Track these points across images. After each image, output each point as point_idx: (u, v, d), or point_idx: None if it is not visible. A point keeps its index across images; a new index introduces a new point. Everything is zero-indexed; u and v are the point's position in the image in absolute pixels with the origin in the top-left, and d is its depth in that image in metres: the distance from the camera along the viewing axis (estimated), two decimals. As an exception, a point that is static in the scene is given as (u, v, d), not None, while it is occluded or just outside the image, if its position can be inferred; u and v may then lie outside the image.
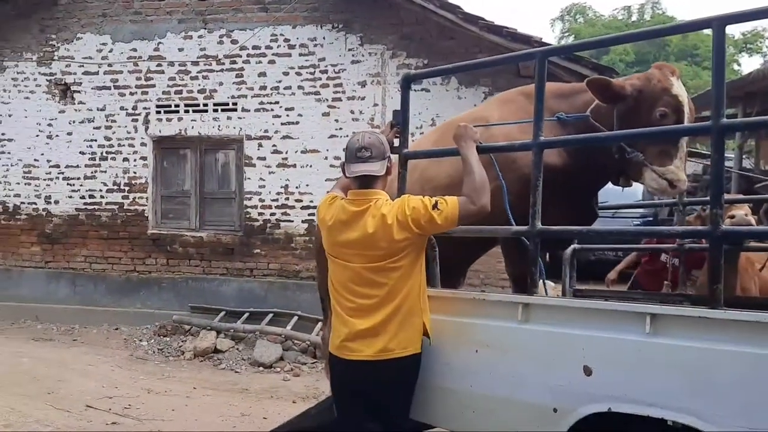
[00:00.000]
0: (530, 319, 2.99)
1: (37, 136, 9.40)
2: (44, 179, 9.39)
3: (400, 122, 3.57)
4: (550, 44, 7.91)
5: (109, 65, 9.10)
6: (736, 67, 34.35)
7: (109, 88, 9.11)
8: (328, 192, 3.35)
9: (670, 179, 3.10)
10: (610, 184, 3.70)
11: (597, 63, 7.50)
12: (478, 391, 3.12)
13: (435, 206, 2.80)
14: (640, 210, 11.12)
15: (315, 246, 4.36)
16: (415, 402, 3.40)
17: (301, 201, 8.50)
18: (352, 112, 8.34)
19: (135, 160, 9.06)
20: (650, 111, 3.10)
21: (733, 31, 32.59)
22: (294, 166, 8.51)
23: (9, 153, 9.55)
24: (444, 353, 3.28)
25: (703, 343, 2.42)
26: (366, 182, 2.94)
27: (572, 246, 5.03)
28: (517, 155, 3.39)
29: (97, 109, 9.15)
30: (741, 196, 5.74)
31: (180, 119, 8.88)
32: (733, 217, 4.07)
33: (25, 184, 9.48)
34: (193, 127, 8.83)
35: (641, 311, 2.61)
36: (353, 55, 8.34)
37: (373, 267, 2.88)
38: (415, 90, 8.21)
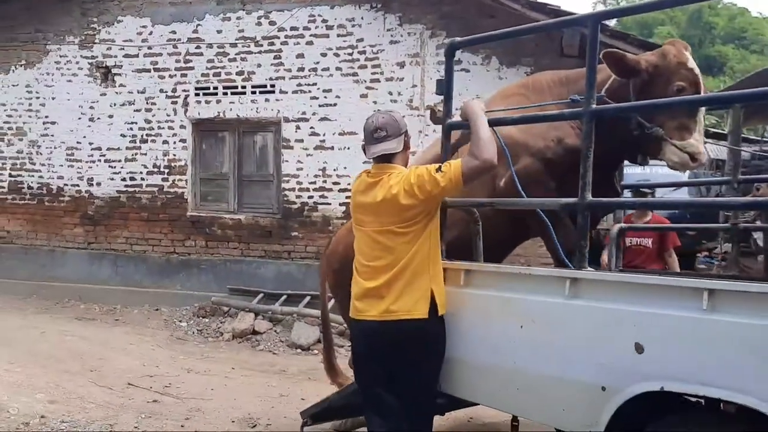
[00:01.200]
0: (578, 294, 2.89)
1: (80, 118, 9.52)
2: (86, 161, 9.52)
3: (445, 92, 3.47)
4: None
5: (149, 48, 9.15)
6: None
7: (148, 70, 9.17)
8: None
9: (690, 152, 3.13)
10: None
11: (644, 40, 7.24)
12: (523, 368, 3.04)
13: (438, 169, 2.90)
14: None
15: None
16: (454, 377, 3.35)
17: (339, 184, 8.44)
18: (390, 93, 8.23)
19: (174, 142, 9.11)
20: (667, 85, 3.12)
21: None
22: (331, 148, 8.45)
23: (52, 136, 9.70)
24: (486, 328, 3.21)
25: (764, 320, 2.29)
26: (385, 159, 3.09)
27: (618, 225, 4.89)
28: (529, 141, 3.45)
29: (138, 92, 9.23)
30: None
31: (218, 101, 8.89)
32: None
33: (68, 166, 9.62)
34: (231, 110, 8.84)
35: (698, 287, 2.48)
36: (392, 36, 8.23)
37: (383, 231, 3.02)
38: (454, 70, 8.08)
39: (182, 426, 4.98)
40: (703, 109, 3.25)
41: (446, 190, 2.94)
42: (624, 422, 2.74)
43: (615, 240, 4.74)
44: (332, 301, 7.42)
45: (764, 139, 17.72)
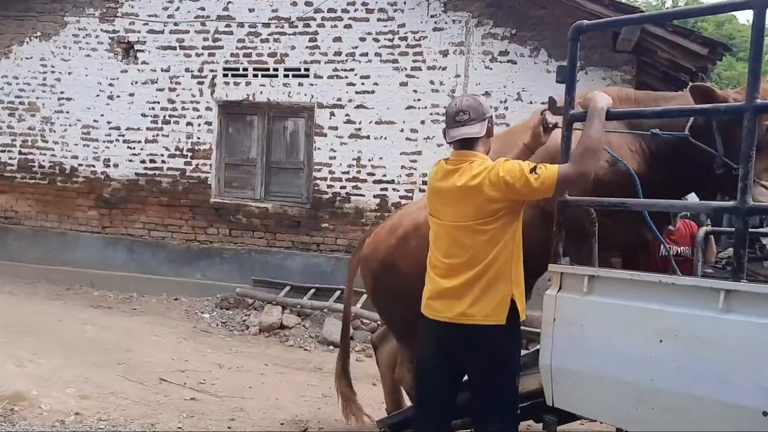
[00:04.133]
0: (735, 308, 2.60)
1: (98, 96, 9.08)
2: (103, 141, 9.08)
3: (567, 79, 3.16)
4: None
5: (175, 24, 8.72)
6: None
7: (174, 48, 8.74)
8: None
9: None
10: None
11: (708, 37, 6.95)
12: (662, 387, 2.75)
13: (533, 170, 2.72)
14: None
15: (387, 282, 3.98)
16: (572, 392, 3.07)
17: (374, 175, 8.08)
18: (432, 82, 7.89)
19: (199, 125, 8.70)
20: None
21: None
22: (367, 137, 8.09)
23: (68, 112, 9.24)
24: (614, 340, 2.91)
25: None
26: (466, 144, 2.93)
27: (704, 228, 4.61)
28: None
29: (161, 70, 8.80)
30: None
31: (248, 84, 8.48)
32: None
33: (84, 145, 9.17)
34: (261, 93, 8.44)
35: None
36: (435, 23, 7.88)
37: (462, 226, 2.85)
38: (500, 62, 7.79)
39: (229, 427, 4.70)
40: None
41: (538, 193, 2.76)
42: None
43: (701, 244, 4.47)
44: (360, 299, 7.19)
45: None
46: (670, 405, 2.74)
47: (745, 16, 29.80)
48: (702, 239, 4.53)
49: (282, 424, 4.83)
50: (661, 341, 2.77)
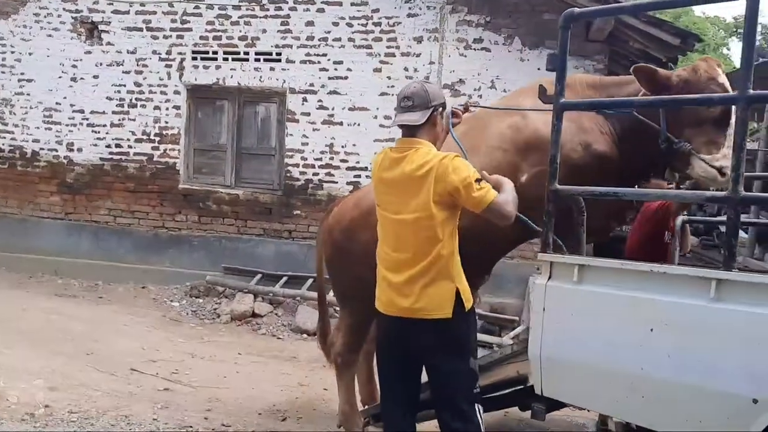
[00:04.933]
0: (726, 297, 2.62)
1: (60, 77, 8.78)
2: (66, 124, 8.79)
3: (558, 67, 3.14)
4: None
5: (142, 5, 8.46)
6: (725, 51, 33.83)
7: (141, 29, 8.49)
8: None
9: (719, 167, 3.09)
10: None
11: (680, 28, 7.03)
12: (652, 375, 2.78)
13: (478, 181, 2.77)
14: None
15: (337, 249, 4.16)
16: (561, 381, 3.08)
17: (347, 161, 7.99)
18: (406, 69, 7.81)
19: (167, 109, 8.48)
20: None
21: (725, 14, 32.18)
22: (341, 123, 7.99)
23: (28, 95, 8.92)
24: (604, 329, 2.93)
25: None
26: (410, 131, 2.93)
27: (681, 217, 4.67)
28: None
29: (127, 52, 8.54)
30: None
31: (218, 67, 8.29)
32: None
33: (46, 129, 8.87)
34: (232, 77, 8.26)
35: None
36: (410, 8, 7.80)
37: (406, 221, 2.86)
38: (474, 49, 7.76)
39: (205, 418, 4.58)
40: (733, 123, 3.03)
41: (466, 204, 2.81)
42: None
43: (679, 232, 4.53)
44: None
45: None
46: (660, 393, 2.76)
47: (701, 10, 30.47)
48: (679, 228, 4.59)
49: (260, 414, 4.76)
50: (652, 330, 2.78)
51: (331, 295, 6.97)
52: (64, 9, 8.75)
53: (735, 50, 34.72)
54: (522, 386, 3.65)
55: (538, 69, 7.53)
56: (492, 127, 3.70)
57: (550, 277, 3.11)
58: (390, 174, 2.92)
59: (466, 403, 2.90)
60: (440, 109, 2.97)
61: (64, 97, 8.78)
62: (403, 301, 2.87)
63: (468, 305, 2.92)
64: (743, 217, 7.06)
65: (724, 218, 9.16)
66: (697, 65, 3.29)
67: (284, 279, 7.80)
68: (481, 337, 6.85)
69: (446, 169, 2.76)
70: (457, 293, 2.87)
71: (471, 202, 2.77)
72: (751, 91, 2.49)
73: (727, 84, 3.18)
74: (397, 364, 3.02)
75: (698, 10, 27.52)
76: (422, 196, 2.80)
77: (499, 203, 2.76)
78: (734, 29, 35.44)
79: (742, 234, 10.66)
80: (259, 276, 7.91)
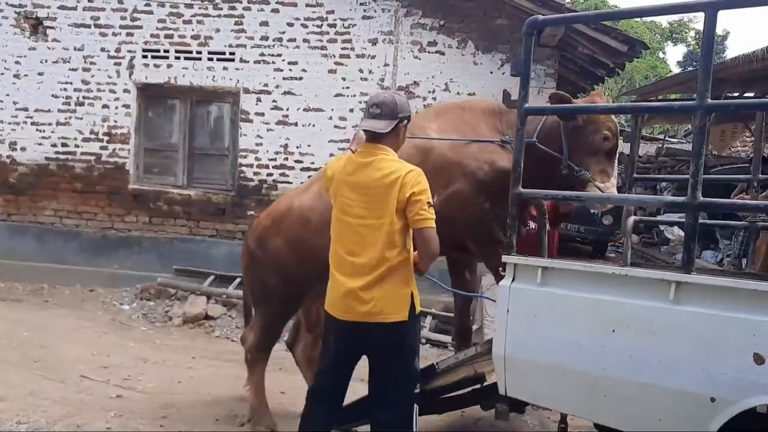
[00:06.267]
0: (684, 299, 2.72)
1: (2, 74, 8.44)
2: (9, 123, 8.46)
3: (521, 73, 3.20)
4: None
5: (89, 0, 8.22)
6: (661, 55, 34.94)
7: (88, 26, 8.24)
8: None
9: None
10: None
11: (628, 35, 7.22)
12: (613, 375, 2.86)
13: (430, 204, 2.93)
14: None
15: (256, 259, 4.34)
16: (524, 381, 3.14)
17: (302, 162, 7.95)
18: (360, 71, 7.82)
19: (116, 107, 8.26)
20: (595, 133, 3.55)
21: (661, 19, 33.38)
22: (295, 124, 7.93)
23: (-32, 92, 8.57)
24: (567, 330, 3.00)
25: None
26: (373, 137, 3.04)
27: (632, 217, 4.81)
28: (462, 162, 3.70)
29: (74, 49, 8.28)
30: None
31: (169, 66, 8.12)
32: None
33: (-14, 127, 8.54)
34: (184, 76, 8.10)
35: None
36: (365, 10, 7.80)
37: (368, 225, 2.97)
38: (428, 52, 7.82)
39: (161, 426, 4.50)
40: (617, 157, 3.71)
41: (409, 218, 2.94)
42: (732, 436, 2.61)
43: (629, 233, 4.65)
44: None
45: (666, 139, 18.77)
46: (622, 393, 2.84)
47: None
48: (630, 228, 4.71)
49: (217, 420, 4.68)
50: (613, 331, 2.86)
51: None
52: (6, 3, 8.43)
53: (670, 54, 35.81)
54: (479, 385, 3.72)
55: (491, 72, 7.68)
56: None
57: (513, 279, 3.16)
58: (355, 178, 3.02)
59: (407, 402, 3.08)
60: (405, 121, 3.09)
61: (7, 95, 8.46)
62: (362, 307, 2.97)
63: (418, 309, 3.08)
64: (676, 216, 7.35)
65: (663, 218, 9.42)
66: (596, 100, 3.77)
67: (238, 280, 7.68)
68: (436, 336, 6.92)
69: (411, 181, 2.91)
70: (411, 296, 3.03)
71: (413, 216, 2.91)
72: (709, 101, 2.59)
73: (614, 119, 3.72)
74: (348, 363, 3.16)
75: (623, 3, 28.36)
76: (388, 204, 2.93)
77: (434, 236, 2.93)
78: (669, 34, 36.68)
79: (679, 232, 11.06)
80: (212, 277, 7.78)
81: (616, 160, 3.66)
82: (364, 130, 3.08)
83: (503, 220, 3.37)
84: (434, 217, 2.94)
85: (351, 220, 3.02)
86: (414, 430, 3.10)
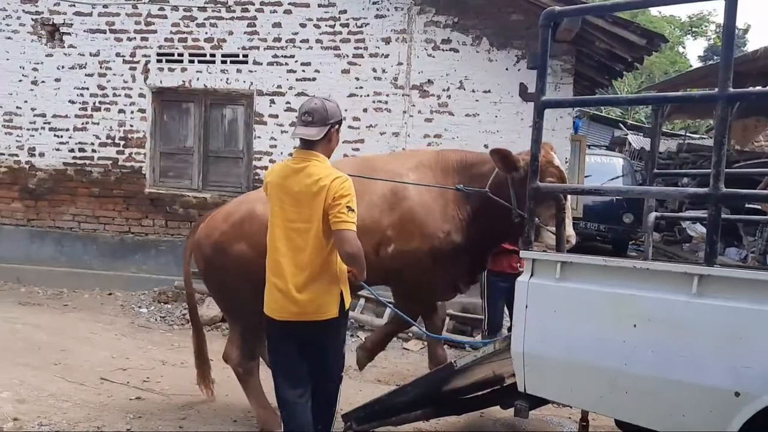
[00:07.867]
0: (708, 292, 2.66)
1: (20, 81, 8.55)
2: (28, 129, 8.57)
3: (538, 66, 3.16)
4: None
5: (105, 6, 8.30)
6: (681, 49, 34.61)
7: (104, 31, 8.32)
8: None
9: (567, 236, 3.68)
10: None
11: (646, 29, 7.12)
12: (635, 370, 2.81)
13: (350, 209, 3.07)
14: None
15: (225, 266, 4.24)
16: (543, 378, 3.10)
17: (317, 163, 7.93)
18: (374, 70, 7.80)
19: (132, 112, 8.32)
20: (541, 179, 3.53)
21: (680, 13, 33.07)
22: (309, 125, 7.92)
23: (-13, 99, 8.68)
24: (588, 326, 2.95)
25: None
26: (306, 144, 3.20)
27: (653, 213, 4.76)
28: (425, 224, 4.05)
29: (90, 55, 8.36)
30: None
31: (184, 70, 8.17)
32: None
33: (6, 133, 8.63)
34: (198, 79, 8.15)
35: None
36: (378, 9, 7.79)
37: (298, 228, 3.14)
38: (442, 50, 7.78)
39: (180, 427, 4.52)
40: (570, 199, 3.95)
41: (332, 216, 3.08)
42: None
43: (651, 229, 4.59)
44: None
45: (687, 134, 18.52)
46: (644, 389, 2.79)
47: (656, 9, 31.18)
48: (652, 224, 4.65)
49: (235, 421, 4.69)
50: (635, 326, 2.81)
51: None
52: (24, 11, 8.53)
53: (690, 48, 35.38)
54: (498, 386, 3.67)
55: (506, 69, 7.62)
56: (378, 184, 4.09)
57: (532, 275, 3.12)
58: (288, 183, 3.18)
59: (338, 379, 3.45)
60: (336, 126, 3.24)
61: (25, 101, 8.56)
62: (297, 307, 3.18)
63: (348, 305, 3.32)
64: (700, 213, 7.25)
65: (686, 214, 9.30)
66: (545, 149, 3.79)
67: (255, 283, 7.70)
68: (453, 336, 6.88)
69: (336, 187, 3.06)
70: (341, 294, 3.25)
71: (332, 219, 3.06)
72: (731, 89, 2.54)
73: (561, 166, 3.96)
74: (292, 356, 3.33)
75: (654, 9, 28.24)
76: (315, 209, 3.10)
77: (349, 237, 3.05)
78: (689, 28, 36.30)
79: (701, 229, 10.91)
80: (229, 280, 7.78)
81: (569, 202, 3.87)
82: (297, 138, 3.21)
83: (443, 284, 4.08)
84: (354, 221, 3.07)
85: (285, 223, 3.18)
86: (338, 398, 3.48)
